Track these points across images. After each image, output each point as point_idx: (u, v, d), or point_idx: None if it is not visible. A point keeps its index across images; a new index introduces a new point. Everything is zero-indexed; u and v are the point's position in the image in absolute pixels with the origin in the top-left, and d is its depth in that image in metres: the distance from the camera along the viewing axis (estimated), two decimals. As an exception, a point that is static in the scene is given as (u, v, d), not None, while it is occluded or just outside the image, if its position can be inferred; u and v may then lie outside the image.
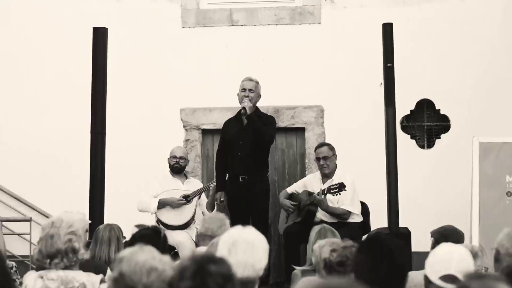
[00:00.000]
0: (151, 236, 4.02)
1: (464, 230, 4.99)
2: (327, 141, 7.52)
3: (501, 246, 3.72)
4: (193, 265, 2.30)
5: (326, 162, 6.53)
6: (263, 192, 6.43)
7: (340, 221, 6.35)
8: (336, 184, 6.19)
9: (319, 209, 6.41)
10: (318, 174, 6.67)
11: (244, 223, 3.17)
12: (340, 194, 6.20)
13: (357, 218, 6.48)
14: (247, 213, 6.27)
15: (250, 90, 6.34)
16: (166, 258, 2.61)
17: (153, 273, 2.52)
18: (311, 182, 6.60)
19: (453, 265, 3.12)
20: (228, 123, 6.62)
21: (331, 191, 6.18)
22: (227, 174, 6.47)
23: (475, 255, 3.82)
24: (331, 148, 6.61)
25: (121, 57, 7.33)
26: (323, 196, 6.26)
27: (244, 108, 6.24)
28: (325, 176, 6.54)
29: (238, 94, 6.41)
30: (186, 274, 2.27)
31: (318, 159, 6.61)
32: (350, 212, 6.42)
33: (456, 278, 3.07)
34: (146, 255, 2.56)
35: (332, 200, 6.37)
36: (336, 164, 6.60)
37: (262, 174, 6.45)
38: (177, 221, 6.47)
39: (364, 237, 6.38)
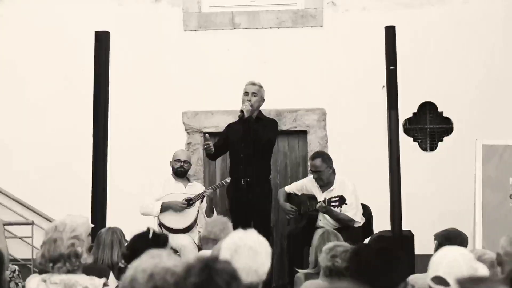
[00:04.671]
0: (150, 241, 3.98)
1: (467, 233, 4.99)
2: (329, 144, 7.53)
3: (502, 247, 3.74)
4: (200, 263, 2.33)
5: (320, 175, 6.35)
6: (266, 194, 6.45)
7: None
8: (336, 197, 6.09)
9: (319, 217, 6.35)
10: None
11: (246, 225, 3.17)
12: (341, 208, 6.13)
13: (358, 223, 6.45)
14: (249, 216, 6.29)
15: (253, 93, 6.37)
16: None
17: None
18: (311, 187, 6.51)
19: (441, 267, 3.11)
20: (230, 126, 6.64)
21: (332, 204, 6.11)
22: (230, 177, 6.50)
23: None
24: (324, 160, 6.35)
25: (123, 61, 7.34)
26: (326, 205, 6.17)
27: (241, 111, 6.26)
28: (324, 184, 6.42)
29: (242, 98, 6.44)
30: (193, 271, 2.29)
31: (311, 170, 6.49)
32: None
33: (445, 280, 3.06)
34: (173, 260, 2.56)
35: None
36: (333, 172, 6.40)
37: (264, 176, 6.46)
38: (180, 224, 6.46)
39: (366, 240, 6.38)
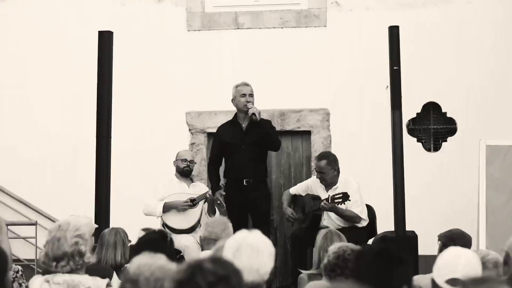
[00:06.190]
0: (157, 240, 4.02)
1: (471, 233, 4.97)
2: (333, 144, 7.52)
3: (511, 249, 3.70)
4: (194, 261, 2.30)
5: (323, 176, 6.34)
6: (266, 195, 6.51)
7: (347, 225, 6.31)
8: (339, 194, 6.09)
9: (324, 217, 6.35)
10: None
11: (245, 226, 3.18)
12: (344, 204, 6.12)
13: (364, 222, 6.44)
14: (249, 217, 6.33)
15: (250, 95, 6.37)
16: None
17: None
18: (315, 187, 6.51)
19: (459, 269, 3.11)
20: (224, 128, 6.61)
21: (335, 200, 6.10)
22: (225, 179, 6.51)
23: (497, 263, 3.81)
24: (330, 163, 6.31)
25: (127, 61, 7.34)
26: (330, 201, 6.17)
27: (254, 114, 6.25)
28: (327, 184, 6.43)
29: (233, 100, 6.42)
30: (181, 268, 2.27)
31: (315, 170, 6.51)
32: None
33: (462, 282, 3.05)
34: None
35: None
36: (337, 172, 6.37)
37: (264, 177, 6.50)
38: (183, 224, 6.45)
39: (370, 240, 6.37)
